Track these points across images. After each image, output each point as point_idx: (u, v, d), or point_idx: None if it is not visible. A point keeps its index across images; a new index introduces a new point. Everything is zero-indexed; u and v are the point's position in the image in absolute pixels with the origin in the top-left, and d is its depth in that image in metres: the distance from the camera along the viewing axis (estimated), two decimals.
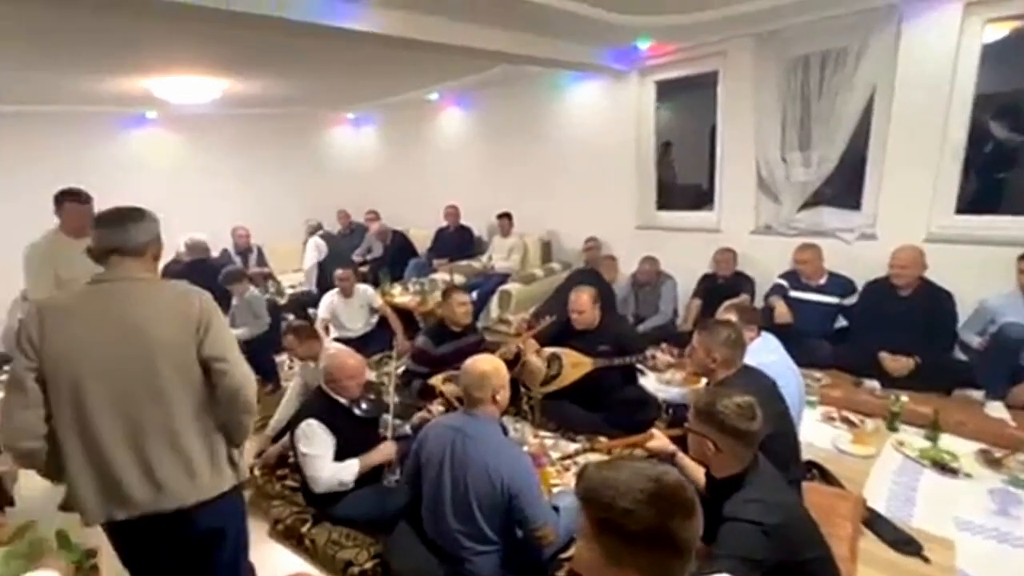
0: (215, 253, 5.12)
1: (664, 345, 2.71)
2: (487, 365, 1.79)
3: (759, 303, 3.59)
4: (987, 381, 2.73)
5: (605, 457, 2.51)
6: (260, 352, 3.48)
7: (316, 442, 2.08)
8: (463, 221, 5.68)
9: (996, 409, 2.62)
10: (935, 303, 2.94)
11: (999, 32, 2.95)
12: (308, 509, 2.26)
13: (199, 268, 4.20)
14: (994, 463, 2.35)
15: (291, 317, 4.77)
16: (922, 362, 2.88)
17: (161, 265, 4.82)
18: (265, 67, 4.10)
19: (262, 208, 6.46)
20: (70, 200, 2.56)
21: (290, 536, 2.22)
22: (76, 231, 2.49)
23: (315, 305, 4.68)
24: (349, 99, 6.25)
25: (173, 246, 4.75)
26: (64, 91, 4.38)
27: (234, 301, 3.71)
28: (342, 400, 2.23)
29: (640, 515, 0.78)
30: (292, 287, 5.21)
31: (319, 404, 2.22)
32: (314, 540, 2.11)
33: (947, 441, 2.54)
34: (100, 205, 2.59)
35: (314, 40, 2.87)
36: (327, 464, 2.07)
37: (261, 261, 5.40)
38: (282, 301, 4.76)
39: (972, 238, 3.05)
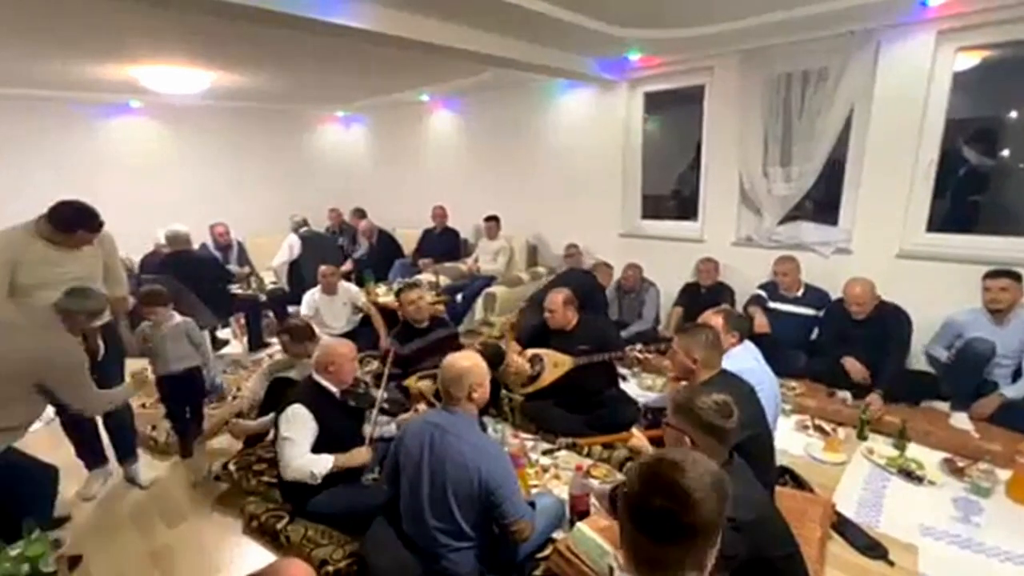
0: (195, 246, 5.03)
1: (640, 346, 2.76)
2: (465, 362, 1.79)
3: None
4: (953, 393, 2.83)
5: (584, 455, 2.54)
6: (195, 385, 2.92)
7: (296, 427, 2.07)
8: (450, 223, 5.68)
9: (961, 420, 2.71)
10: (888, 322, 3.02)
11: (971, 61, 3.09)
12: (284, 506, 2.23)
13: (179, 261, 4.11)
14: (957, 472, 2.43)
15: (271, 314, 4.75)
16: (879, 381, 2.94)
17: (139, 257, 4.61)
18: (255, 61, 4.06)
19: (248, 202, 6.38)
20: (86, 229, 2.23)
21: (265, 533, 2.19)
22: (65, 242, 2.22)
23: (289, 303, 4.66)
24: (339, 97, 6.22)
25: (153, 238, 4.66)
26: (41, 75, 4.27)
27: (144, 326, 2.77)
28: (332, 389, 2.23)
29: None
30: (274, 283, 5.16)
31: (308, 391, 2.20)
32: (289, 537, 2.08)
33: (914, 450, 2.62)
34: (78, 194, 2.36)
35: (305, 36, 2.87)
36: (301, 452, 2.06)
37: (242, 257, 5.32)
38: (263, 298, 4.70)
39: (942, 256, 3.17)
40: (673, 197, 4.86)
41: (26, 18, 2.85)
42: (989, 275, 2.78)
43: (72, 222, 2.21)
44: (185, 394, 2.86)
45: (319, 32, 2.72)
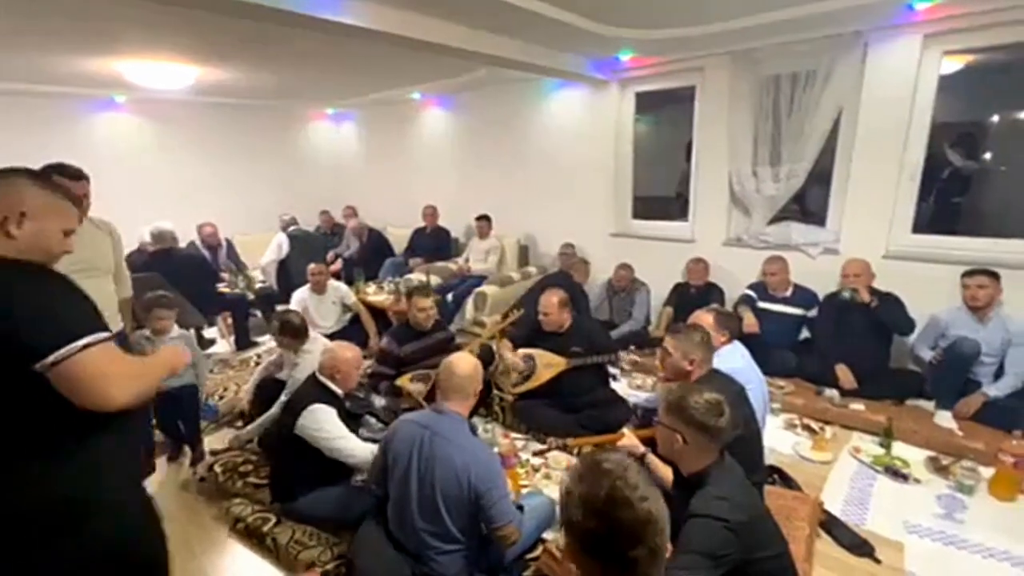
0: (182, 244, 4.95)
1: (632, 347, 2.76)
2: (469, 366, 1.80)
3: None
4: (938, 392, 2.87)
5: (575, 455, 2.54)
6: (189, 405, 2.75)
7: (332, 422, 2.07)
8: (441, 222, 5.66)
9: (945, 419, 2.75)
10: (886, 304, 3.07)
11: (956, 65, 3.14)
12: (271, 508, 2.21)
13: (165, 259, 4.05)
14: (942, 470, 2.47)
15: (259, 314, 4.70)
16: (881, 364, 3.05)
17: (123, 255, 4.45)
18: (243, 56, 4.00)
19: (236, 200, 6.30)
20: (57, 175, 2.02)
21: (251, 536, 2.15)
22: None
23: (277, 302, 4.62)
24: (329, 94, 6.16)
25: (138, 236, 4.57)
26: (21, 68, 4.16)
27: (139, 335, 2.55)
28: (338, 391, 2.22)
29: (575, 492, 0.93)
30: (262, 282, 5.10)
31: (319, 391, 2.18)
32: (276, 540, 2.05)
33: (899, 448, 2.65)
34: None
35: (296, 31, 2.83)
36: (357, 441, 2.08)
37: (232, 256, 5.25)
38: (251, 297, 4.65)
39: (927, 256, 3.22)
40: (677, 199, 4.85)
41: (5, 6, 2.78)
42: (967, 273, 2.83)
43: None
44: (177, 412, 2.73)
45: (312, 28, 2.69)
